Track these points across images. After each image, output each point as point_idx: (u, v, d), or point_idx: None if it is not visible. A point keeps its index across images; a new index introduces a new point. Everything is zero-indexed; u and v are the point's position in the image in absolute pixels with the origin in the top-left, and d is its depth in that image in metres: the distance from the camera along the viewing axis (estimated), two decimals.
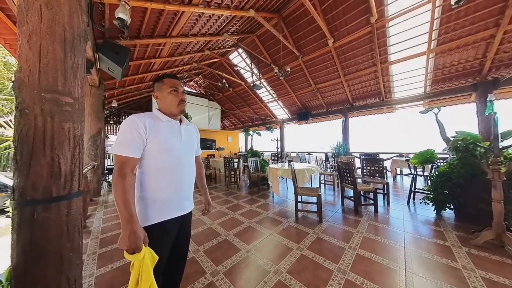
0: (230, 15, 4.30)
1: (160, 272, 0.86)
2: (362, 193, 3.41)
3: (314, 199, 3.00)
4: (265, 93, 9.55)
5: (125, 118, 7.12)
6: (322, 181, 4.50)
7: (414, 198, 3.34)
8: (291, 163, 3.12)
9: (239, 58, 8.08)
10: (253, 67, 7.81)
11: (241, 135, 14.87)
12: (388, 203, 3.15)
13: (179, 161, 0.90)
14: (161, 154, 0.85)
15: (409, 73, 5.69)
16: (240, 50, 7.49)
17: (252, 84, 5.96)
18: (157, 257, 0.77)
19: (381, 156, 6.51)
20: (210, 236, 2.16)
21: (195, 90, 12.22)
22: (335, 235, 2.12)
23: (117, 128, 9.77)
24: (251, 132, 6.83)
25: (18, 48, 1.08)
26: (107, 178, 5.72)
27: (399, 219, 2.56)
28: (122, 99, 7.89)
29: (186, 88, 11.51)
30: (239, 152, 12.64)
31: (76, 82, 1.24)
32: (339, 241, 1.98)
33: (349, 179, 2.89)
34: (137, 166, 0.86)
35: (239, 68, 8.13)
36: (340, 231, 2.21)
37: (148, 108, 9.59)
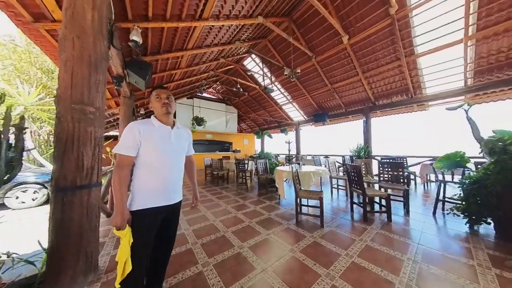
0: (239, 24, 4.55)
1: (146, 253, 1.04)
2: (375, 200, 3.12)
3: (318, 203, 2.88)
4: (279, 95, 9.55)
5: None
6: (335, 186, 4.26)
7: (443, 209, 2.89)
8: (293, 165, 3.06)
9: (253, 63, 8.35)
10: (266, 71, 7.96)
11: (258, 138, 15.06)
12: (407, 212, 2.80)
13: (167, 159, 1.07)
14: (151, 153, 1.03)
15: (442, 65, 4.98)
16: (253, 55, 7.74)
17: (264, 87, 6.08)
18: (131, 240, 0.94)
19: (411, 160, 5.77)
20: (210, 231, 2.31)
21: (214, 96, 13.00)
22: (334, 240, 2.02)
23: None
24: (262, 135, 6.90)
25: (58, 72, 1.43)
26: None
27: (416, 230, 2.26)
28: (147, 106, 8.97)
29: (205, 95, 12.34)
30: (255, 154, 12.83)
31: (98, 95, 1.57)
32: (336, 247, 1.89)
33: (357, 183, 2.70)
34: (134, 161, 1.05)
35: (253, 73, 8.37)
36: (340, 237, 2.09)
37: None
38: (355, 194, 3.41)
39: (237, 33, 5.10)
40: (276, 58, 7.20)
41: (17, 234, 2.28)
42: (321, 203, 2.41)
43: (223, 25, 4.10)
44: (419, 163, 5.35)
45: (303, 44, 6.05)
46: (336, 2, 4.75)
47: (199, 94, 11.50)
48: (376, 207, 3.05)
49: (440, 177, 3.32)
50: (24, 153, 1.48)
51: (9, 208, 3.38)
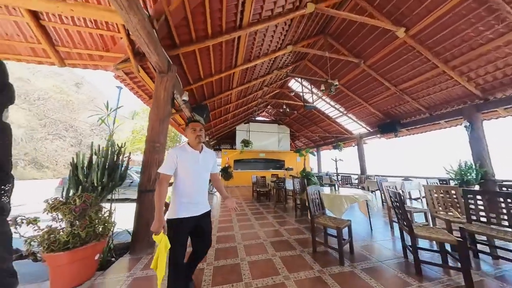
0: (271, 59, 5.23)
1: (182, 253, 1.27)
2: (445, 246, 2.05)
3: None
4: (329, 109, 8.83)
5: (220, 146, 10.39)
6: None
7: None
8: (311, 186, 2.67)
9: (297, 83, 8.63)
10: (312, 88, 7.89)
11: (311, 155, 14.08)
12: None
13: (194, 177, 1.36)
14: (183, 173, 1.33)
15: None
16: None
17: (304, 105, 6.09)
18: (169, 246, 1.16)
19: None
20: (228, 240, 2.66)
21: (267, 118, 14.24)
22: (347, 284, 1.65)
23: (220, 152, 13.89)
24: (304, 152, 6.52)
25: (147, 126, 2.63)
26: None
27: None
28: (217, 134, 11.47)
29: (259, 118, 13.85)
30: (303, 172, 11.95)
31: (162, 135, 2.63)
32: None
33: (401, 215, 1.99)
34: (174, 178, 1.37)
35: (298, 92, 8.59)
36: (359, 284, 1.66)
37: (233, 137, 12.67)
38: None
39: (272, 64, 5.80)
40: (319, 74, 7.05)
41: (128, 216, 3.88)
42: (339, 234, 2.03)
43: (256, 64, 4.94)
44: None
45: (345, 53, 5.61)
46: (376, 1, 4.23)
47: (254, 119, 13.16)
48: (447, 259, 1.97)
49: None
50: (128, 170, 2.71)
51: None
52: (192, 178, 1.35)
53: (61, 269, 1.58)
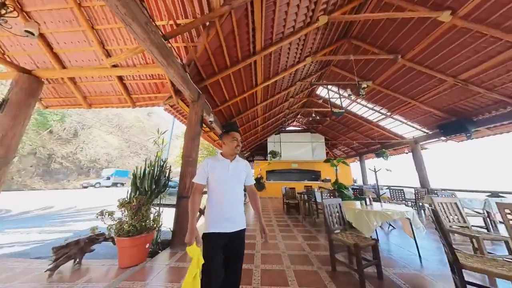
0: (291, 73, 5.42)
1: (215, 271, 1.09)
2: None
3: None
4: (368, 112, 7.83)
5: (253, 157, 11.05)
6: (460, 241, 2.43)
7: None
8: (328, 199, 2.40)
9: (325, 90, 8.27)
10: (342, 92, 7.38)
11: (355, 165, 12.47)
12: None
13: (225, 188, 1.21)
14: (213, 183, 1.23)
15: None
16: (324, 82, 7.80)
17: (332, 112, 5.77)
18: (202, 261, 1.01)
19: None
20: (248, 247, 2.81)
21: (298, 127, 13.95)
22: None
23: (252, 163, 14.53)
24: (335, 162, 5.84)
25: (183, 144, 3.33)
26: None
27: None
28: (250, 146, 12.16)
29: (290, 128, 13.75)
30: (353, 184, 10.50)
31: (194, 151, 3.25)
32: None
33: (442, 241, 1.57)
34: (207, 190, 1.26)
35: (328, 98, 8.19)
36: None
37: (266, 148, 12.99)
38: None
39: (294, 77, 5.96)
40: (348, 78, 6.59)
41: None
42: (357, 252, 1.81)
43: (276, 80, 5.26)
44: None
45: (376, 52, 5.11)
46: None
47: (284, 129, 13.20)
48: None
49: None
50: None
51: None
52: (223, 189, 1.22)
53: (124, 250, 2.22)
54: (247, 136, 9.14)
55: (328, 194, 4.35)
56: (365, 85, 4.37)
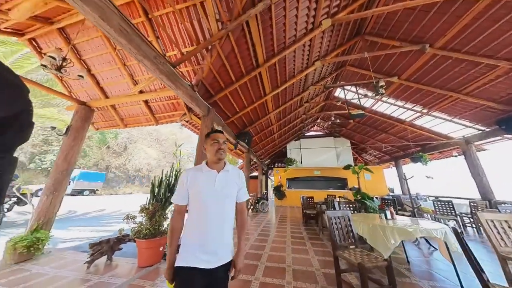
0: (301, 79, 5.35)
1: None
2: None
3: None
4: (399, 110, 6.88)
5: (274, 165, 11.11)
6: None
7: None
8: (333, 211, 2.09)
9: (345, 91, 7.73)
10: (364, 92, 6.78)
11: (388, 171, 10.92)
12: None
13: (207, 208, 0.90)
14: (194, 201, 0.92)
15: None
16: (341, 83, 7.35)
17: (349, 114, 5.33)
18: None
19: None
20: (254, 257, 2.77)
21: (320, 132, 13.22)
22: None
23: (272, 170, 14.36)
24: (357, 168, 5.17)
25: (195, 156, 3.66)
26: (257, 205, 8.85)
27: None
28: (268, 153, 12.14)
29: (311, 133, 13.16)
30: (389, 193, 9.12)
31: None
32: None
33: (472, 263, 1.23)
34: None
35: (350, 99, 7.63)
36: None
37: (285, 155, 12.73)
38: None
39: (305, 82, 5.85)
40: (368, 76, 6.04)
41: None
42: (362, 274, 1.58)
43: (285, 88, 5.27)
44: None
45: (396, 45, 4.60)
46: None
47: (304, 135, 12.74)
48: None
49: None
50: None
51: None
52: (206, 209, 0.90)
53: (142, 251, 2.53)
54: (264, 144, 9.22)
55: (346, 205, 3.93)
56: (383, 83, 3.94)
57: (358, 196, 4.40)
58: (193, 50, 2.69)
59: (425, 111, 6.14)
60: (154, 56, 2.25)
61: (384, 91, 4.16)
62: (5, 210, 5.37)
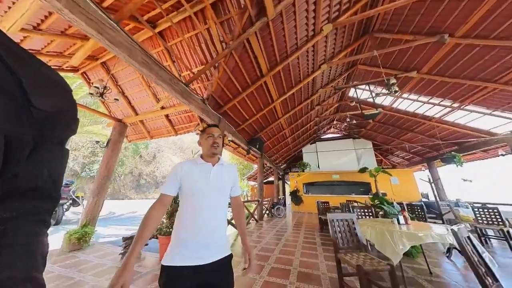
0: (308, 82, 5.40)
1: None
2: None
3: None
4: (424, 106, 6.24)
5: (290, 169, 11.13)
6: None
7: None
8: (335, 213, 1.99)
9: (360, 91, 7.39)
10: (381, 89, 6.40)
11: (417, 174, 9.75)
12: None
13: (202, 202, 0.88)
14: (187, 195, 0.89)
15: None
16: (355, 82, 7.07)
17: (362, 115, 5.09)
18: None
19: None
20: (261, 258, 2.86)
21: (338, 134, 12.63)
22: None
23: (288, 175, 14.14)
24: (373, 171, 4.72)
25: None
26: (272, 210, 8.82)
27: None
28: (283, 158, 12.07)
29: (328, 135, 12.68)
30: (421, 199, 8.10)
31: None
32: None
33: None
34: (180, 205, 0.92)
35: (365, 99, 7.27)
36: None
37: (301, 159, 12.45)
38: None
39: (313, 86, 5.85)
40: (383, 73, 5.73)
41: None
42: (360, 277, 1.56)
43: (293, 93, 5.38)
44: None
45: (409, 39, 4.34)
46: None
47: (320, 138, 12.35)
48: None
49: None
50: None
51: None
52: (199, 202, 0.89)
53: (162, 247, 2.89)
54: (277, 148, 9.29)
55: (362, 210, 3.73)
56: (394, 81, 3.75)
57: (375, 201, 4.14)
58: (202, 69, 3.08)
59: (456, 105, 5.47)
60: (169, 78, 2.68)
61: (397, 89, 3.93)
62: (64, 210, 6.59)
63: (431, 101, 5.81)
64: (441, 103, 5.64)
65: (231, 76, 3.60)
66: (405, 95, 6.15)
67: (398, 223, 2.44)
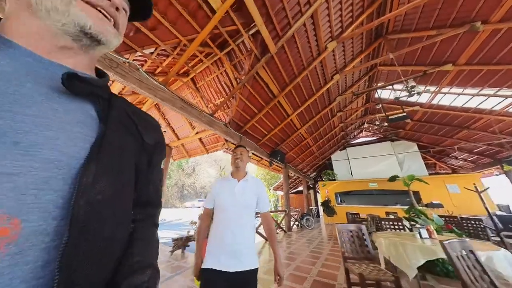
0: (323, 93, 5.52)
1: None
2: None
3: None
4: (474, 100, 5.22)
5: (320, 177, 10.72)
6: None
7: None
8: (342, 226, 1.90)
9: (388, 91, 6.82)
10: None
11: (494, 180, 7.73)
12: None
13: (227, 215, 1.02)
14: (217, 210, 1.07)
15: None
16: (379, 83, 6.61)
17: (387, 118, 4.76)
18: None
19: None
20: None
21: (372, 137, 11.44)
22: None
23: (312, 184, 13.43)
24: (406, 179, 4.00)
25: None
26: (301, 221, 8.62)
27: None
28: (311, 167, 11.71)
29: (359, 140, 11.66)
30: (495, 212, 6.32)
31: None
32: None
33: None
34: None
35: (380, 101, 6.67)
36: None
37: (331, 167, 11.73)
38: None
39: (329, 96, 5.90)
40: (410, 71, 5.28)
41: None
42: (362, 283, 1.66)
43: (308, 105, 5.60)
44: None
45: (432, 34, 4.02)
46: None
47: (351, 143, 11.49)
48: None
49: None
50: None
51: None
52: (226, 215, 1.03)
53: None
54: (302, 158, 9.27)
55: (391, 223, 3.46)
56: (414, 83, 3.54)
57: (410, 213, 3.77)
58: (223, 101, 3.85)
59: None
60: (198, 113, 3.53)
61: (420, 89, 3.65)
62: None
63: (482, 92, 4.87)
64: (497, 93, 4.65)
65: (247, 102, 4.25)
66: (444, 90, 5.37)
67: (421, 237, 2.31)
